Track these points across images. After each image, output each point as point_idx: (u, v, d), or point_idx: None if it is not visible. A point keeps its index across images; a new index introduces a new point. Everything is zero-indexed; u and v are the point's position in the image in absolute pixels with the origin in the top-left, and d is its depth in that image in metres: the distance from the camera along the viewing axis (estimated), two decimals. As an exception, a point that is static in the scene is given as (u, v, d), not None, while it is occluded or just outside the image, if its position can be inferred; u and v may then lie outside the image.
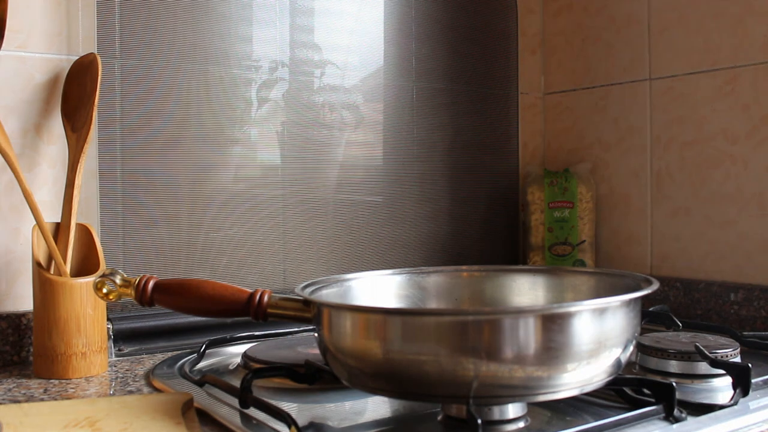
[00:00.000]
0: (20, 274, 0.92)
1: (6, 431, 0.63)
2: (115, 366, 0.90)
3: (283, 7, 1.11)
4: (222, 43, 1.05)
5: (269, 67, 1.10)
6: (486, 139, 1.32)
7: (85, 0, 0.95)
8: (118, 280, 0.70)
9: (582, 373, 0.59)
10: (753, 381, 0.72)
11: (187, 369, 0.84)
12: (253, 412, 0.67)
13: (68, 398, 0.76)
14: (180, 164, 1.02)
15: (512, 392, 0.58)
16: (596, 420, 0.63)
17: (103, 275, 0.71)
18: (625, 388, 0.69)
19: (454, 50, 1.28)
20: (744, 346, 0.87)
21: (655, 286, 0.65)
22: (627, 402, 0.68)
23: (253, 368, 0.82)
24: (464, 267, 0.86)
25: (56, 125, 0.94)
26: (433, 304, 0.82)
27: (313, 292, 0.71)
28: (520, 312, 0.61)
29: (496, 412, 0.63)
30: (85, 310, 0.85)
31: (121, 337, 0.95)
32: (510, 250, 1.36)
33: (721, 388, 0.76)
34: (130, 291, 0.70)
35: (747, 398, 0.71)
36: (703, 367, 0.77)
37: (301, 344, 0.91)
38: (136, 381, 0.83)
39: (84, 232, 0.91)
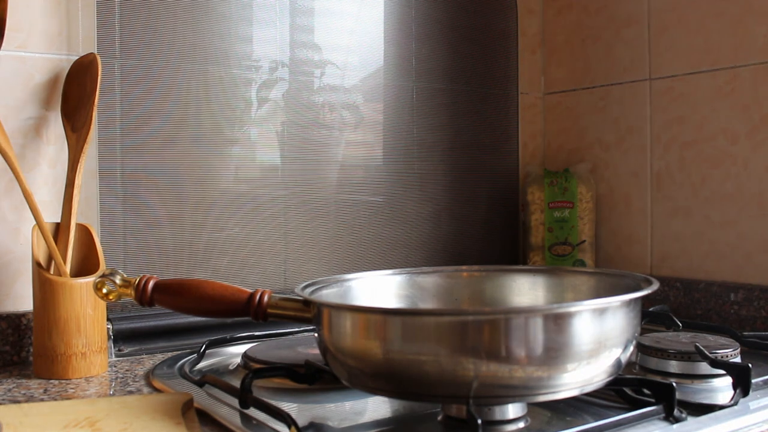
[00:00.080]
0: (20, 274, 0.92)
1: (6, 431, 0.63)
2: (115, 366, 0.90)
3: (283, 7, 1.11)
4: (222, 43, 1.05)
5: (269, 67, 1.10)
6: (486, 139, 1.32)
7: (85, 0, 0.95)
8: (118, 280, 0.70)
9: (582, 373, 0.59)
10: (753, 381, 0.72)
11: (187, 369, 0.84)
12: (253, 412, 0.67)
13: (68, 398, 0.76)
14: (180, 164, 1.02)
15: (512, 392, 0.58)
16: (596, 420, 0.63)
17: (103, 275, 0.71)
18: (625, 389, 0.69)
19: (454, 50, 1.28)
20: (744, 346, 0.87)
21: (655, 286, 0.65)
22: (627, 402, 0.68)
23: (253, 368, 0.82)
24: (464, 267, 0.86)
25: (56, 125, 0.94)
26: (433, 305, 0.82)
27: (313, 292, 0.71)
28: (520, 312, 0.61)
29: (496, 412, 0.63)
30: (85, 310, 0.85)
31: (121, 337, 0.95)
32: (510, 250, 1.36)
33: (721, 388, 0.76)
34: (130, 291, 0.70)
35: (747, 398, 0.71)
36: (703, 367, 0.77)
37: (301, 344, 0.91)
38: (136, 381, 0.83)
39: (84, 232, 0.91)
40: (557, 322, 0.57)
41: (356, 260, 1.17)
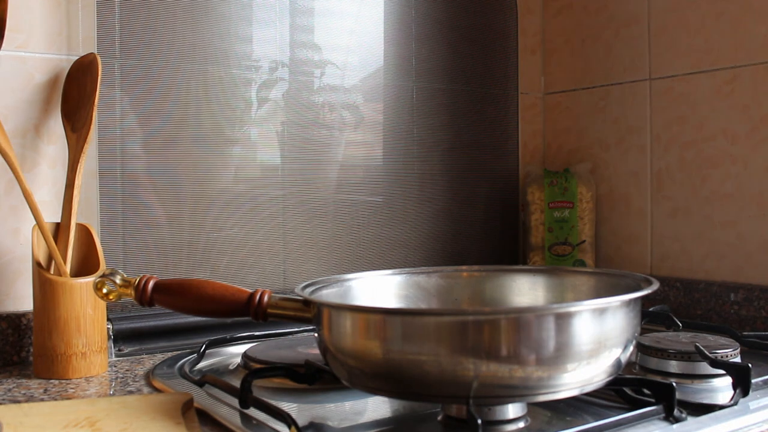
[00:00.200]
0: (20, 274, 0.92)
1: (6, 431, 0.63)
2: (115, 366, 0.90)
3: (283, 7, 1.11)
4: (222, 43, 1.05)
5: (269, 67, 1.10)
6: (486, 139, 1.32)
7: (85, 0, 0.95)
8: (118, 280, 0.70)
9: (582, 373, 0.59)
10: (753, 381, 0.72)
11: (187, 369, 0.84)
12: (253, 412, 0.67)
13: (68, 398, 0.76)
14: (180, 164, 1.02)
15: (512, 392, 0.58)
16: (596, 420, 0.63)
17: (103, 275, 0.71)
18: (625, 388, 0.69)
19: (454, 50, 1.28)
20: (744, 346, 0.87)
21: (655, 286, 0.65)
22: (627, 402, 0.68)
23: (253, 368, 0.82)
24: (464, 267, 0.86)
25: (56, 125, 0.94)
26: (433, 304, 0.82)
27: (313, 292, 0.71)
28: (520, 312, 0.61)
29: (496, 412, 0.63)
30: (85, 310, 0.85)
31: (121, 337, 0.95)
32: (510, 250, 1.36)
33: (721, 388, 0.76)
34: (130, 291, 0.70)
35: (747, 398, 0.71)
36: (703, 367, 0.77)
37: (301, 344, 0.91)
38: (136, 381, 0.83)
39: (84, 232, 0.91)
40: (557, 322, 0.57)
41: (356, 260, 1.17)
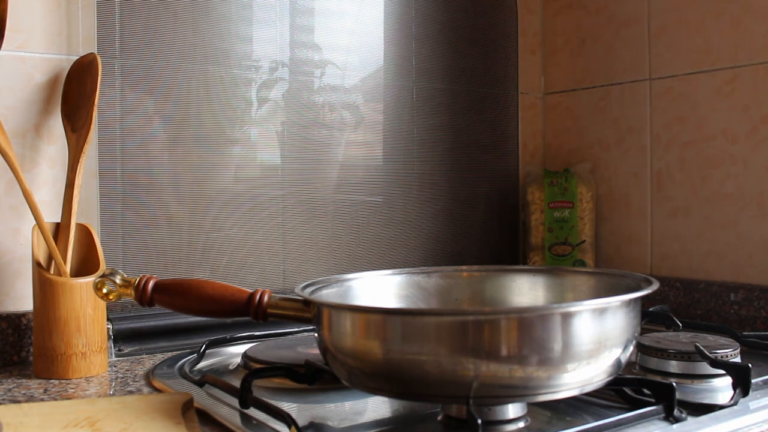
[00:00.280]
0: (20, 274, 0.92)
1: (6, 431, 0.63)
2: (115, 366, 0.90)
3: (283, 7, 1.11)
4: (222, 43, 1.05)
5: (269, 67, 1.10)
6: (486, 139, 1.32)
7: (85, 0, 0.95)
8: (118, 280, 0.70)
9: (582, 373, 0.59)
10: (753, 381, 0.72)
11: (187, 369, 0.84)
12: (253, 412, 0.67)
13: (68, 398, 0.76)
14: (180, 164, 1.02)
15: (512, 392, 0.58)
16: (596, 420, 0.63)
17: (103, 275, 0.71)
18: (625, 388, 0.69)
19: (454, 50, 1.28)
20: (744, 346, 0.87)
21: (655, 286, 0.65)
22: (627, 402, 0.68)
23: (253, 368, 0.82)
24: (464, 267, 0.86)
25: (56, 125, 0.94)
26: (433, 305, 0.82)
27: (313, 292, 0.71)
28: (520, 312, 0.61)
29: (496, 412, 0.63)
30: (85, 310, 0.85)
31: (121, 337, 0.95)
32: (510, 250, 1.36)
33: (721, 388, 0.76)
34: (130, 291, 0.70)
35: (747, 398, 0.71)
36: (703, 367, 0.77)
37: (301, 344, 0.91)
38: (136, 381, 0.83)
39: (84, 232, 0.91)
40: (557, 322, 0.57)
41: (355, 260, 1.17)
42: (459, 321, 0.57)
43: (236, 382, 0.71)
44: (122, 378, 0.84)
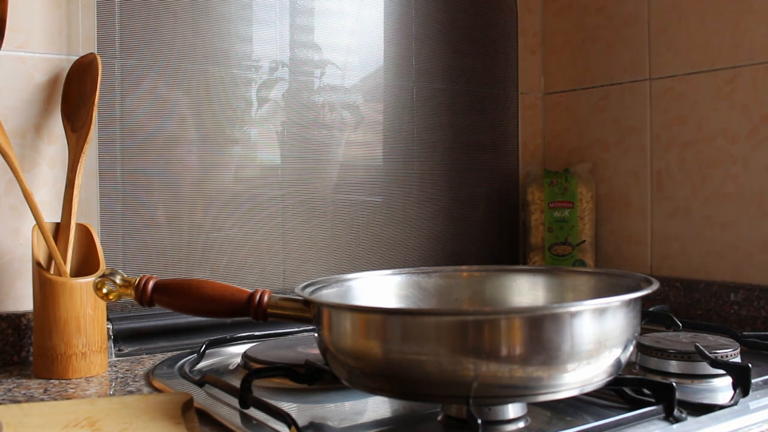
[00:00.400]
0: (20, 274, 0.92)
1: (6, 431, 0.63)
2: (115, 366, 0.90)
3: (283, 7, 1.11)
4: (222, 43, 1.05)
5: (269, 67, 1.10)
6: (486, 139, 1.32)
7: (85, 0, 0.95)
8: (118, 280, 0.70)
9: (582, 373, 0.59)
10: (753, 381, 0.72)
11: (187, 369, 0.84)
12: (253, 412, 0.67)
13: (68, 398, 0.76)
14: (180, 164, 1.02)
15: (512, 392, 0.58)
16: (596, 420, 0.63)
17: (103, 275, 0.71)
18: (625, 388, 0.69)
19: (454, 50, 1.28)
20: (744, 346, 0.87)
21: (655, 286, 0.65)
22: (627, 402, 0.68)
23: (253, 368, 0.82)
24: (464, 267, 0.86)
25: (56, 125, 0.94)
26: (433, 305, 0.82)
27: (313, 292, 0.71)
28: (520, 312, 0.61)
29: (496, 412, 0.63)
30: (85, 310, 0.85)
31: (121, 337, 0.95)
32: (510, 250, 1.36)
33: (721, 388, 0.76)
34: (130, 291, 0.70)
35: (747, 398, 0.71)
36: (703, 367, 0.77)
37: (301, 344, 0.91)
38: (136, 381, 0.83)
39: (84, 232, 0.91)
40: (557, 322, 0.57)
41: (355, 260, 1.17)
42: (459, 321, 0.57)
43: (236, 382, 0.71)
44: (122, 378, 0.84)
